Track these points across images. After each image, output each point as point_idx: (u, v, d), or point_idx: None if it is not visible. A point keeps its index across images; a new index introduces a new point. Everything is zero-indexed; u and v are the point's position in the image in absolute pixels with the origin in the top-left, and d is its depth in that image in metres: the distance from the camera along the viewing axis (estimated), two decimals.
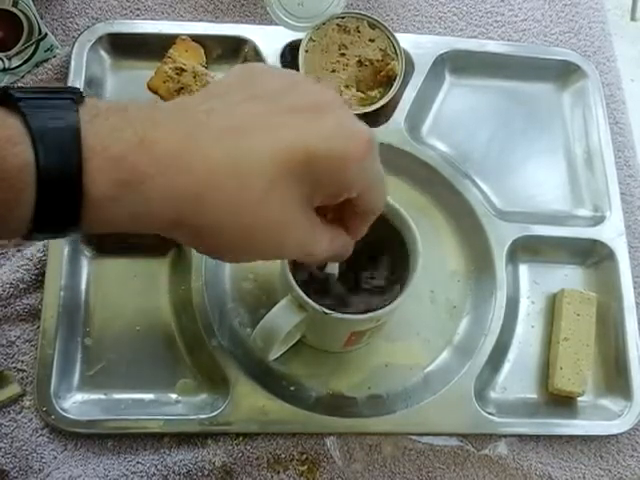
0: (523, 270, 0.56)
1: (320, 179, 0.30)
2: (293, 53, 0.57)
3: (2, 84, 0.55)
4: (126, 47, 0.58)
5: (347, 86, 0.56)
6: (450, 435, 0.50)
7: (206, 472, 0.47)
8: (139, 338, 0.50)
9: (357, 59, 0.57)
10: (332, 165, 0.29)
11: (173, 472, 0.47)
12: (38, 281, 0.50)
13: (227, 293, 0.52)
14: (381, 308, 0.42)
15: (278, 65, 0.57)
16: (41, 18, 0.55)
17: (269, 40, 0.58)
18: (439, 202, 0.57)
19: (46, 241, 0.50)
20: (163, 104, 0.30)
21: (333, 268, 0.42)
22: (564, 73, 0.63)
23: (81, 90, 0.27)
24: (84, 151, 0.25)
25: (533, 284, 0.56)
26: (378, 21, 0.57)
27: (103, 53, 0.58)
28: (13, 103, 0.25)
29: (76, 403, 0.48)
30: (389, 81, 0.57)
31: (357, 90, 0.56)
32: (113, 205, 0.26)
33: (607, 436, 0.51)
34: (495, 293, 0.53)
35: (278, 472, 0.48)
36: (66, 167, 0.25)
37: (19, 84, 0.56)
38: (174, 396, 0.49)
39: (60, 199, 0.25)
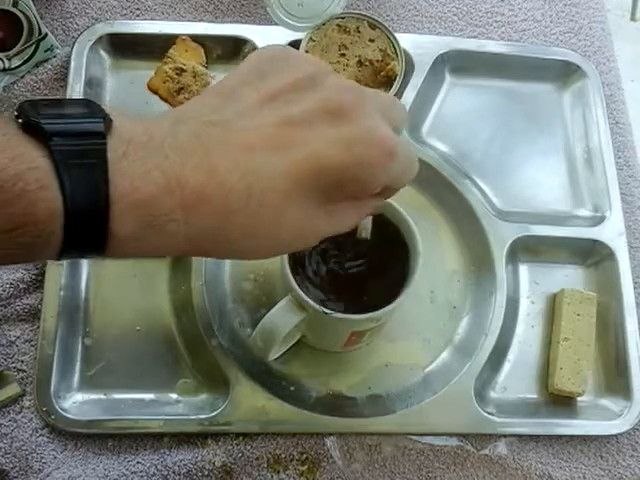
0: (523, 270, 0.56)
1: (338, 187, 0.29)
2: None
3: (2, 84, 0.55)
4: (126, 47, 0.58)
5: None
6: (450, 435, 0.50)
7: (206, 472, 0.47)
8: (139, 338, 0.50)
9: (357, 59, 0.57)
10: (349, 176, 0.29)
11: (173, 472, 0.47)
12: (38, 281, 0.50)
13: (227, 293, 0.52)
14: (381, 308, 0.42)
15: None
16: (41, 18, 0.55)
17: (269, 40, 0.58)
18: (439, 202, 0.57)
19: None
20: (181, 119, 0.28)
21: (366, 230, 0.42)
22: (564, 73, 0.63)
23: (107, 113, 0.26)
24: (112, 194, 0.25)
25: (533, 284, 0.56)
26: (378, 21, 0.57)
27: (103, 53, 0.58)
28: (41, 135, 0.24)
29: (76, 403, 0.48)
30: (389, 81, 0.57)
31: None
32: (137, 242, 0.26)
33: (607, 436, 0.51)
34: (495, 293, 0.53)
35: (278, 472, 0.48)
36: (94, 210, 0.25)
37: (19, 84, 0.56)
38: (174, 396, 0.49)
39: (86, 238, 0.25)
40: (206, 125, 0.28)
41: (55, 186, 0.24)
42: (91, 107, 0.27)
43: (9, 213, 0.23)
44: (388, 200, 0.43)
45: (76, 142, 0.25)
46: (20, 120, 0.25)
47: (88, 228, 0.25)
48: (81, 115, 0.26)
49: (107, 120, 0.26)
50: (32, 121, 0.25)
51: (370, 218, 0.41)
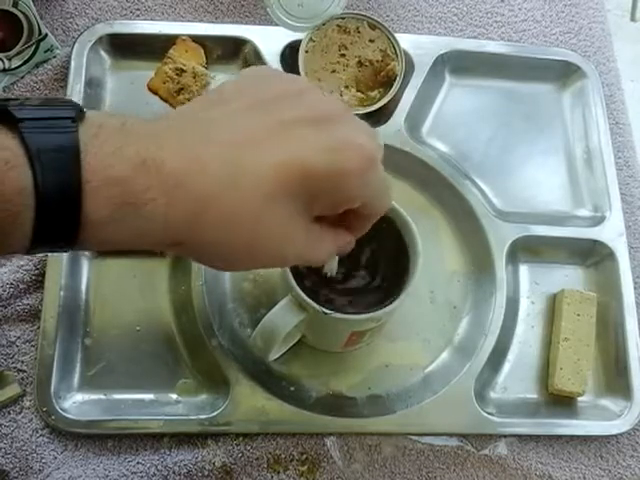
0: (523, 270, 0.56)
1: (318, 194, 0.29)
2: (293, 54, 0.57)
3: (2, 84, 0.55)
4: (126, 47, 0.58)
5: (347, 87, 0.56)
6: (450, 435, 0.50)
7: (206, 472, 0.47)
8: (139, 338, 0.50)
9: (357, 60, 0.57)
10: (330, 180, 0.29)
11: (173, 472, 0.47)
12: (38, 281, 0.50)
13: (227, 293, 0.52)
14: (381, 308, 0.42)
15: (278, 66, 0.57)
16: (41, 18, 0.55)
17: (269, 41, 0.58)
18: (439, 202, 0.57)
19: None
20: (163, 117, 0.29)
21: (332, 269, 0.42)
22: (564, 73, 0.63)
23: (82, 106, 0.27)
24: (84, 172, 0.24)
25: (533, 284, 0.56)
26: (378, 22, 0.57)
27: (103, 54, 0.58)
28: (12, 122, 0.25)
29: (76, 403, 0.48)
30: (389, 81, 0.57)
31: (357, 90, 0.56)
32: (113, 226, 0.26)
33: (607, 436, 0.51)
34: (495, 293, 0.53)
35: (278, 472, 0.48)
36: (65, 189, 0.24)
37: (19, 84, 0.56)
38: (174, 396, 0.49)
39: (59, 220, 0.25)
40: (189, 121, 0.28)
41: (25, 166, 0.24)
42: (65, 100, 0.27)
43: None
44: None
45: (46, 125, 0.25)
46: None
47: (60, 209, 0.24)
48: (52, 103, 0.26)
49: (79, 109, 0.26)
50: (2, 108, 0.25)
51: (337, 258, 0.41)
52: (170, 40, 0.57)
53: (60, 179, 0.24)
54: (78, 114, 0.26)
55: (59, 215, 0.25)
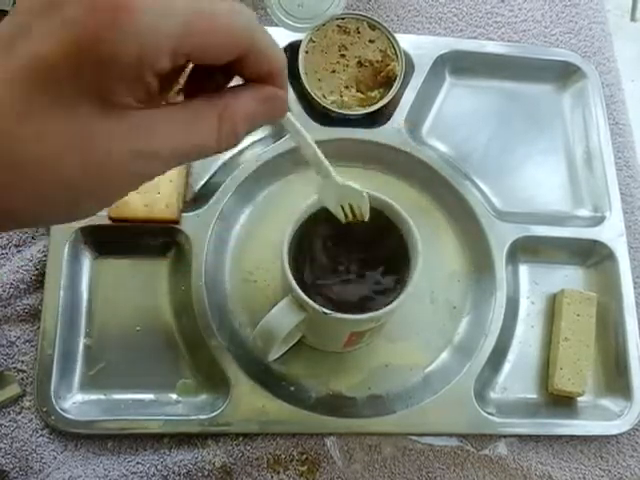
0: (523, 270, 0.56)
1: (82, 74, 0.22)
2: (293, 54, 0.57)
3: None
4: None
5: (347, 87, 0.56)
6: (450, 435, 0.50)
7: (206, 472, 0.47)
8: (139, 338, 0.50)
9: (357, 60, 0.57)
10: (82, 57, 0.22)
11: (173, 472, 0.47)
12: (38, 281, 0.50)
13: (227, 293, 0.52)
14: (381, 308, 0.42)
15: None
16: None
17: None
18: (439, 202, 0.57)
19: (46, 242, 0.51)
20: None
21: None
22: (564, 74, 0.63)
23: None
24: None
25: (533, 284, 0.56)
26: (378, 22, 0.57)
27: None
28: None
29: (76, 403, 0.48)
30: (389, 82, 0.57)
31: (357, 91, 0.57)
32: None
33: (607, 436, 0.51)
34: (495, 293, 0.53)
35: (278, 472, 0.48)
36: None
37: None
38: (174, 396, 0.49)
39: None
40: None
41: None
42: None
43: None
44: (388, 200, 0.43)
45: None
46: None
47: None
48: None
49: None
50: None
51: (367, 198, 0.39)
52: None
53: None
54: None
55: None
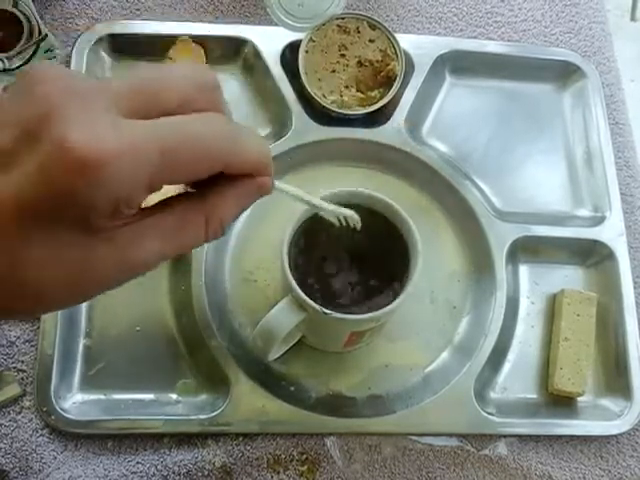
0: (523, 270, 0.56)
1: (61, 214, 0.22)
2: (293, 53, 0.57)
3: (2, 85, 0.55)
4: (126, 48, 0.58)
5: (347, 86, 0.56)
6: (450, 435, 0.50)
7: (206, 472, 0.47)
8: (139, 338, 0.50)
9: (357, 60, 0.57)
10: (61, 202, 0.22)
11: (173, 472, 0.47)
12: None
13: (227, 293, 0.52)
14: (381, 308, 0.42)
15: (279, 66, 0.57)
16: (41, 19, 0.55)
17: (269, 41, 0.58)
18: (439, 202, 0.57)
19: None
20: None
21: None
22: (564, 73, 0.63)
23: None
24: None
25: (533, 284, 0.56)
26: (378, 22, 0.57)
27: (103, 54, 0.58)
28: None
29: (76, 403, 0.48)
30: (389, 81, 0.57)
31: (357, 90, 0.57)
32: None
33: (607, 436, 0.51)
34: (495, 293, 0.53)
35: (278, 472, 0.48)
36: None
37: None
38: (174, 396, 0.49)
39: None
40: None
41: None
42: None
43: None
44: (388, 200, 0.43)
45: None
46: None
47: None
48: None
49: None
50: None
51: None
52: (170, 40, 0.57)
53: None
54: None
55: None
